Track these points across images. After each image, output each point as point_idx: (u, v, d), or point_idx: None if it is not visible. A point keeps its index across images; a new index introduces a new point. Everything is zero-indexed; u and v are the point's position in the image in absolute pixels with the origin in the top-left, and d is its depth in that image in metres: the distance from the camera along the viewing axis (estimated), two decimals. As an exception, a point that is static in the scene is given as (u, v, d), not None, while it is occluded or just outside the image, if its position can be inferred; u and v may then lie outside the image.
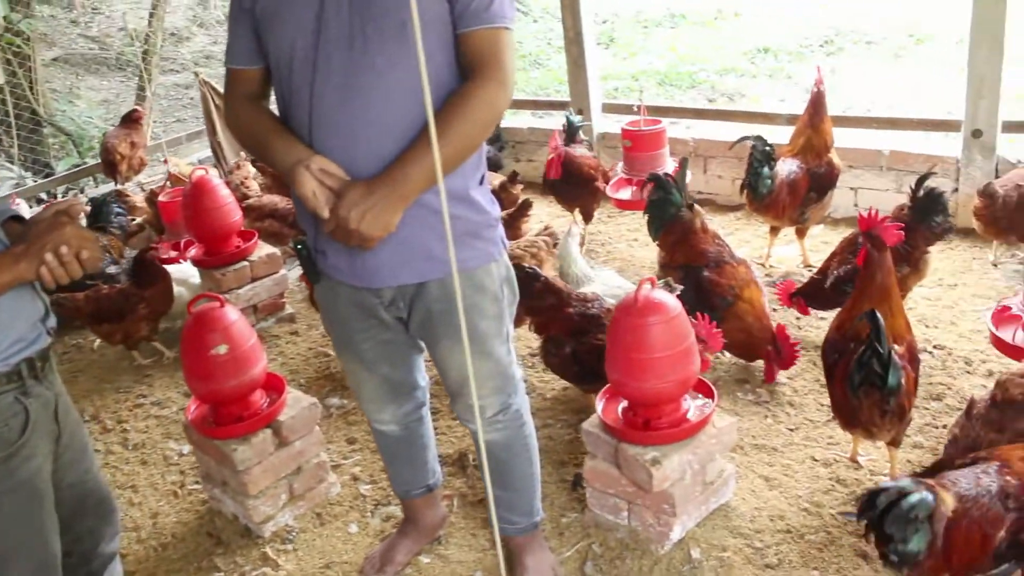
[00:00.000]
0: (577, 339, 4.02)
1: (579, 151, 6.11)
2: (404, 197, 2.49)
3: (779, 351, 4.31)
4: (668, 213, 4.79)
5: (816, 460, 3.93)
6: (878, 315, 3.32)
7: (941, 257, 5.62)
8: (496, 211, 2.86)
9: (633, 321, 3.17)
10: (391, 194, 2.46)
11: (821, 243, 5.91)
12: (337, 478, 4.09)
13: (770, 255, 5.75)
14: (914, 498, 2.43)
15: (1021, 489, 2.49)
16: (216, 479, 3.95)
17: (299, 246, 2.90)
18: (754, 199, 5.37)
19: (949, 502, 2.50)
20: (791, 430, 4.13)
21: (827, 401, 4.24)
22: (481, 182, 2.81)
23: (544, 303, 4.20)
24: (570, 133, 6.17)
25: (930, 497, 2.45)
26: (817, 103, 5.46)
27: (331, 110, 2.56)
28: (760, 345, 4.36)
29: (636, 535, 3.49)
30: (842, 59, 11.39)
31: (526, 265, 4.39)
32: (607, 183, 6.08)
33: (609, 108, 7.43)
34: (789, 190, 5.34)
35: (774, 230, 5.69)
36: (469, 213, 2.74)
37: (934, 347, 4.65)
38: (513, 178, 5.89)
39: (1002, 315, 4.10)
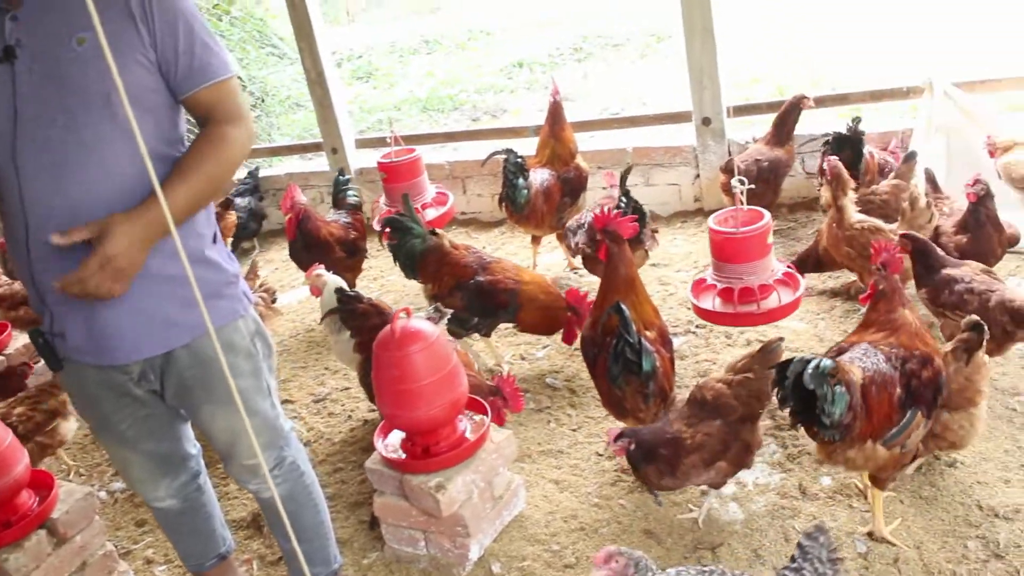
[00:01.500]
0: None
1: (332, 215, 5.86)
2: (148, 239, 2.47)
3: (577, 311, 4.54)
4: (416, 249, 4.81)
5: (601, 455, 4.11)
6: (623, 307, 3.54)
7: (695, 240, 6.00)
8: (235, 267, 2.86)
9: (394, 354, 3.22)
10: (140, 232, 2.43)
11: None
12: (129, 565, 3.93)
13: (536, 264, 5.95)
14: (816, 360, 2.94)
15: (896, 355, 3.19)
16: (-10, 594, 3.71)
17: (35, 334, 2.80)
18: (513, 211, 5.56)
19: (857, 374, 3.07)
20: (574, 430, 4.30)
21: (602, 397, 4.48)
22: (215, 240, 2.80)
23: (367, 323, 4.21)
24: (335, 195, 6.00)
25: (829, 361, 2.97)
26: (555, 113, 5.73)
27: (45, 193, 2.49)
28: (559, 313, 4.59)
29: (437, 562, 3.55)
30: (593, 64, 11.91)
31: (347, 288, 4.41)
32: (357, 251, 5.79)
33: (363, 143, 7.51)
34: (544, 198, 5.57)
35: (536, 239, 5.91)
36: (207, 274, 2.73)
37: (696, 326, 4.95)
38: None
39: (700, 287, 4.37)
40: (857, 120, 5.22)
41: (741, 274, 4.12)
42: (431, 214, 5.88)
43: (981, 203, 4.53)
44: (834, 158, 4.76)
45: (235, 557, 3.59)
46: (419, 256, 4.78)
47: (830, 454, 3.24)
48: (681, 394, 4.30)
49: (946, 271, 4.07)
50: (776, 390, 3.03)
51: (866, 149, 5.32)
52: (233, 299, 2.82)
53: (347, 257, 5.62)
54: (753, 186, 4.34)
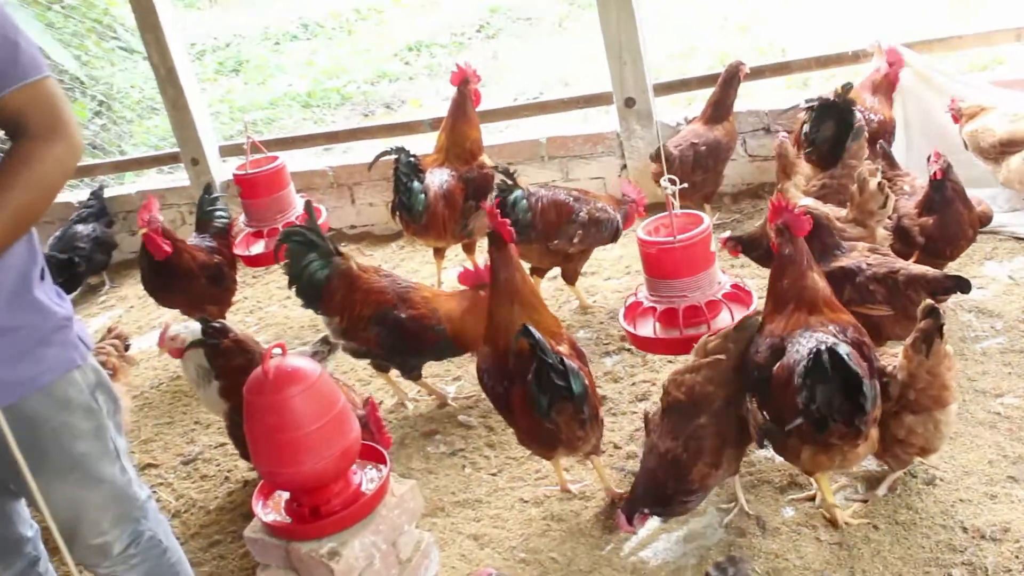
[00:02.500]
0: None
1: (194, 239, 5.76)
2: None
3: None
4: (319, 275, 4.66)
5: (526, 502, 4.13)
6: (532, 329, 3.60)
7: (627, 242, 6.06)
8: (67, 308, 2.80)
9: (269, 399, 3.18)
10: None
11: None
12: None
13: (441, 282, 5.96)
14: (837, 345, 3.27)
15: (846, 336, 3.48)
16: None
17: None
18: (410, 220, 5.54)
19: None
20: (493, 475, 4.32)
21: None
22: (42, 277, 2.75)
23: (230, 363, 4.16)
24: (199, 216, 5.91)
25: (846, 347, 3.32)
26: (459, 103, 5.75)
27: None
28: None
29: (337, 643, 3.51)
30: (504, 41, 11.95)
31: (212, 320, 4.35)
32: (224, 280, 5.71)
33: (231, 151, 7.47)
34: (445, 203, 5.58)
35: (439, 252, 5.92)
36: (33, 318, 2.67)
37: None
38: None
39: (636, 311, 4.41)
40: (848, 87, 5.22)
41: (682, 291, 4.17)
42: None
43: (946, 178, 4.66)
44: (783, 134, 4.86)
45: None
46: (323, 283, 4.65)
47: (830, 455, 3.43)
48: (621, 424, 4.37)
49: (838, 264, 4.18)
50: (806, 388, 3.23)
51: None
52: (66, 346, 2.77)
53: (212, 286, 5.55)
54: (685, 185, 4.38)
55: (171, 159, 7.78)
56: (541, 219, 5.16)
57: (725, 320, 4.16)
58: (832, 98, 5.13)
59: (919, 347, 3.47)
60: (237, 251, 5.92)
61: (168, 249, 5.37)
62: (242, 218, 6.09)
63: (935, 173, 4.67)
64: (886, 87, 5.65)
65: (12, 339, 2.63)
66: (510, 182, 5.17)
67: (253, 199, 5.85)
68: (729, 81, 5.76)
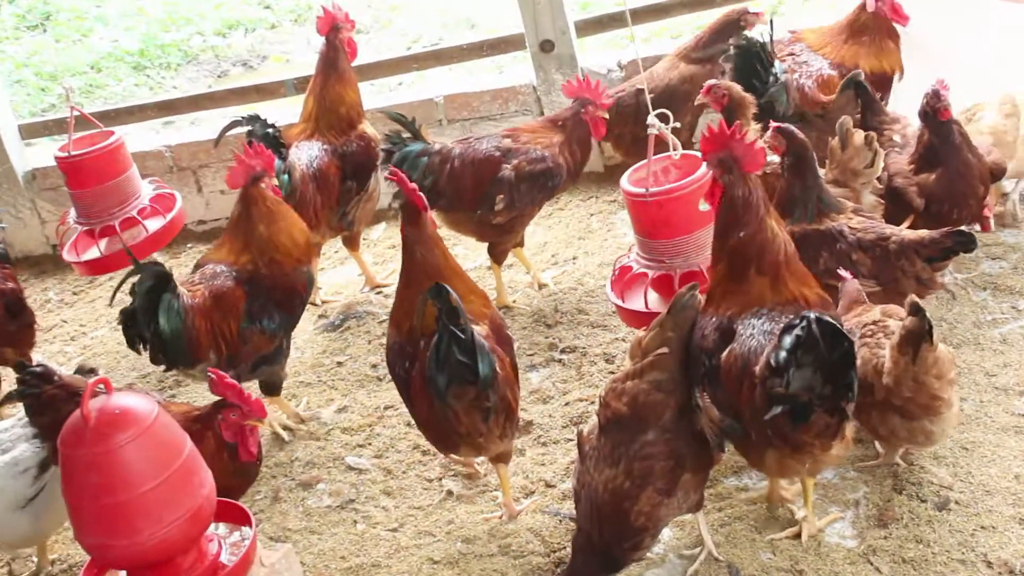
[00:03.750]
0: None
1: None
2: None
3: None
4: (176, 326, 4.61)
5: (437, 562, 4.09)
6: (447, 288, 3.68)
7: (553, 224, 6.06)
8: None
9: (91, 452, 3.11)
10: None
11: (389, 248, 6.19)
12: None
13: (319, 287, 5.92)
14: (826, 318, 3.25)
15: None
16: None
17: None
18: None
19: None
20: (393, 531, 4.29)
21: (434, 475, 4.47)
22: None
23: (61, 415, 3.99)
24: None
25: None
26: (329, 58, 5.71)
27: None
28: None
29: None
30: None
31: (33, 364, 4.26)
32: (21, 313, 5.51)
33: (38, 130, 7.33)
34: (317, 185, 5.54)
35: (314, 248, 5.84)
36: None
37: (563, 351, 5.05)
38: None
39: (624, 278, 4.47)
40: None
41: (680, 253, 4.22)
42: (151, 226, 5.78)
43: (952, 120, 4.69)
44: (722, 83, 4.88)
45: None
46: (180, 332, 4.59)
47: (800, 457, 3.48)
48: (553, 455, 4.37)
49: (815, 225, 4.26)
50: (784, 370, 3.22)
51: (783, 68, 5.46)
52: None
53: (9, 322, 5.38)
54: (678, 124, 4.41)
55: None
56: (451, 184, 5.20)
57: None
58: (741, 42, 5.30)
59: (904, 350, 3.54)
60: (68, 256, 5.81)
61: None
62: (72, 213, 5.94)
63: (941, 111, 4.67)
64: (875, 27, 5.69)
65: None
66: (407, 134, 5.18)
67: (82, 188, 5.71)
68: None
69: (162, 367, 4.74)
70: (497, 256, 5.47)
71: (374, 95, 6.55)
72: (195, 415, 3.89)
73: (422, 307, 3.81)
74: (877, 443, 4.01)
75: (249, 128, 5.43)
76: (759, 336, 3.43)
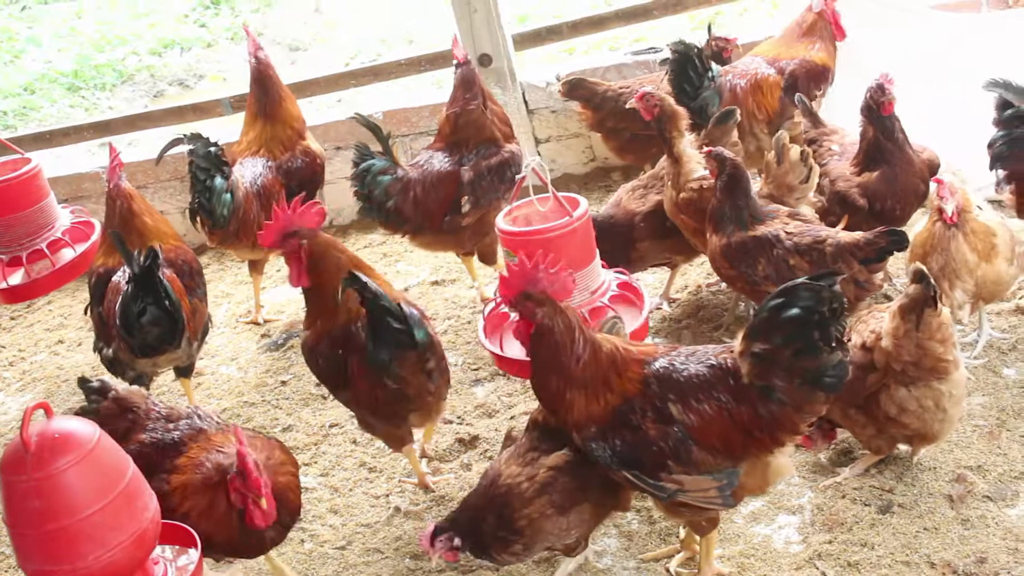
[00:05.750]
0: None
1: None
2: None
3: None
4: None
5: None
6: (358, 274, 3.93)
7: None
8: None
9: (32, 477, 3.08)
10: None
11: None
12: None
13: (261, 305, 5.92)
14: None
15: None
16: None
17: None
18: (214, 226, 5.48)
19: None
20: (341, 549, 4.29)
21: (380, 491, 4.48)
22: None
23: (118, 427, 3.93)
24: None
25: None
26: (262, 76, 5.74)
27: None
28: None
29: None
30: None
31: (91, 379, 4.20)
32: None
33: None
34: (261, 203, 5.55)
35: (256, 266, 5.89)
36: None
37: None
38: None
39: (495, 319, 4.44)
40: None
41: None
42: (67, 255, 5.66)
43: (895, 115, 4.74)
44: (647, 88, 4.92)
45: None
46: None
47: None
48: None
49: (752, 233, 4.32)
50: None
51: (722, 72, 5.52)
52: None
53: None
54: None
55: None
56: (418, 210, 5.25)
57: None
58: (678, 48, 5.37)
59: (908, 316, 3.61)
60: None
61: None
62: None
63: (885, 105, 4.71)
64: (821, 27, 5.75)
65: None
66: (376, 147, 5.23)
67: (2, 216, 5.64)
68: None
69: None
70: (489, 257, 5.51)
71: (312, 112, 6.52)
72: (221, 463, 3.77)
73: (342, 297, 4.06)
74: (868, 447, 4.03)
75: (191, 147, 5.40)
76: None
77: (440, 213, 5.20)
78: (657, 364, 3.44)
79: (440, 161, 5.32)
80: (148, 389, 4.75)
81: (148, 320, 4.67)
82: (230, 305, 6.08)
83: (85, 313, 5.26)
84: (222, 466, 3.67)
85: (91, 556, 3.13)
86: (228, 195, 5.41)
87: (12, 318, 6.54)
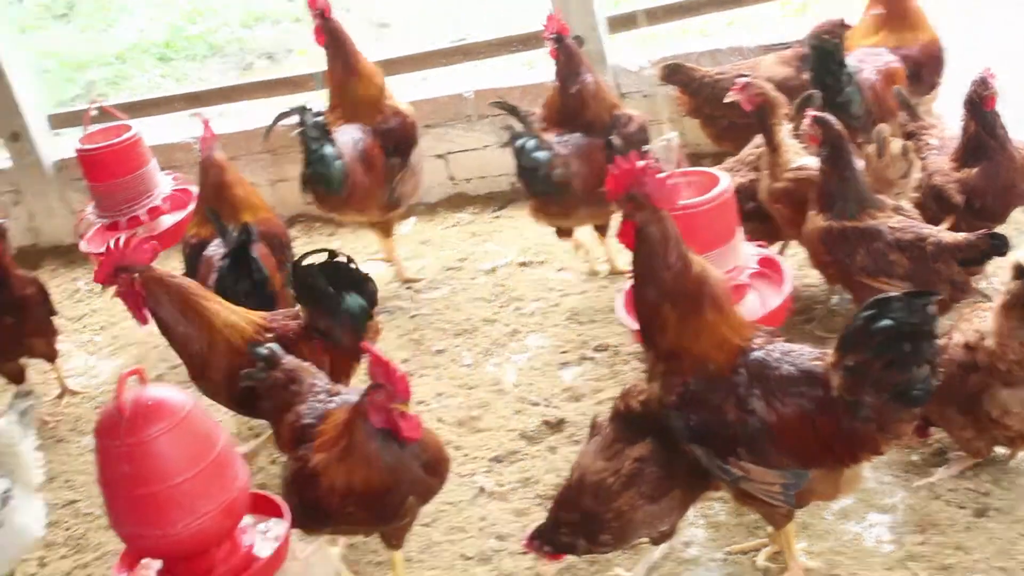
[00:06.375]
0: (296, 456, 3.83)
1: None
2: None
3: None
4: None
5: (470, 558, 4.10)
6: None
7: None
8: None
9: (125, 443, 3.12)
10: None
11: (420, 244, 6.22)
12: None
13: (392, 258, 6.03)
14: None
15: None
16: None
17: None
18: (329, 192, 5.52)
19: None
20: (426, 526, 4.27)
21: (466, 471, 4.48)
22: None
23: (280, 398, 3.99)
24: None
25: None
26: (335, 43, 5.76)
27: None
28: None
29: None
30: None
31: (263, 348, 4.14)
32: (49, 303, 5.57)
33: (65, 121, 7.37)
34: (365, 166, 5.58)
35: (381, 228, 5.94)
36: None
37: (596, 348, 5.05)
38: None
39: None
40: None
41: None
42: (165, 222, 5.85)
43: (996, 111, 4.60)
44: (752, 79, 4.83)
45: None
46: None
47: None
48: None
49: (855, 223, 4.22)
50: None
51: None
52: None
53: (43, 310, 5.43)
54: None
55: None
56: (578, 181, 5.21)
57: (751, 306, 4.17)
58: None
59: (1011, 313, 3.55)
60: (84, 248, 5.90)
61: None
62: (89, 208, 5.96)
63: (987, 100, 4.59)
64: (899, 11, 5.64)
65: None
66: (519, 126, 5.16)
67: (100, 181, 5.72)
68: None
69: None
70: (604, 228, 5.49)
71: (399, 89, 6.49)
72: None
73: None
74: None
75: (300, 119, 5.45)
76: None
77: (596, 183, 5.02)
78: (752, 356, 3.37)
79: (576, 136, 5.29)
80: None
81: (241, 297, 4.66)
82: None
83: None
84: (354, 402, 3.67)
85: (180, 523, 3.17)
86: (339, 162, 5.46)
87: (90, 288, 6.61)
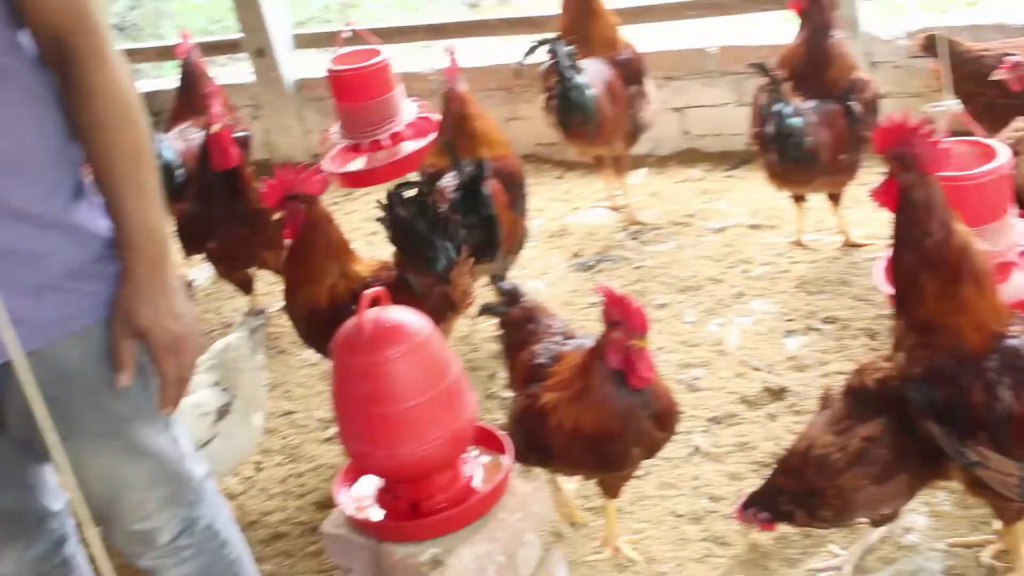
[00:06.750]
0: (525, 393, 3.92)
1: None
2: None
3: None
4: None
5: (680, 516, 4.08)
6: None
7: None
8: (109, 232, 2.76)
9: (363, 360, 3.14)
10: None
11: (649, 196, 6.20)
12: None
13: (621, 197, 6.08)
14: None
15: None
16: None
17: None
18: (584, 122, 5.56)
19: None
20: (638, 478, 4.24)
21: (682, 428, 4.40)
22: (79, 194, 2.71)
23: (517, 335, 4.08)
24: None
25: None
26: None
27: None
28: None
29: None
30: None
31: (505, 283, 4.31)
32: None
33: (307, 41, 7.57)
34: (610, 96, 5.65)
35: (616, 164, 6.02)
36: (66, 243, 2.64)
37: (824, 320, 4.95)
38: None
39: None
40: None
41: None
42: (406, 148, 6.00)
43: None
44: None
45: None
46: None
47: None
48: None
49: None
50: None
51: None
52: (108, 282, 2.73)
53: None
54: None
55: (230, 48, 7.85)
56: (824, 149, 5.13)
57: (1018, 286, 4.05)
58: None
59: None
60: (328, 167, 6.05)
61: (237, 158, 5.34)
62: (334, 128, 6.09)
63: None
64: None
65: (38, 267, 2.60)
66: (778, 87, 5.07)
67: (350, 102, 5.83)
68: None
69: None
70: (838, 197, 5.44)
71: (643, 39, 6.43)
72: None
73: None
74: None
75: (552, 49, 5.52)
76: None
77: (837, 151, 5.08)
78: (1008, 342, 3.23)
79: (817, 102, 5.17)
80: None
81: (467, 232, 4.70)
82: (544, 220, 6.09)
83: None
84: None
85: (409, 446, 3.18)
86: (592, 91, 5.53)
87: (333, 203, 6.73)
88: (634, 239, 5.88)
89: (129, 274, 2.64)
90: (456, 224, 4.45)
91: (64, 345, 2.67)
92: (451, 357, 3.27)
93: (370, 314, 3.17)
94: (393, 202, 4.37)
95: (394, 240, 4.52)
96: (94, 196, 2.75)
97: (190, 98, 6.40)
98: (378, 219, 4.48)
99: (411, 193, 4.38)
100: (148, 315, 2.63)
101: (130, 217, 2.61)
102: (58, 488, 3.17)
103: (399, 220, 4.40)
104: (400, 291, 4.20)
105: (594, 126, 5.58)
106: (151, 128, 2.72)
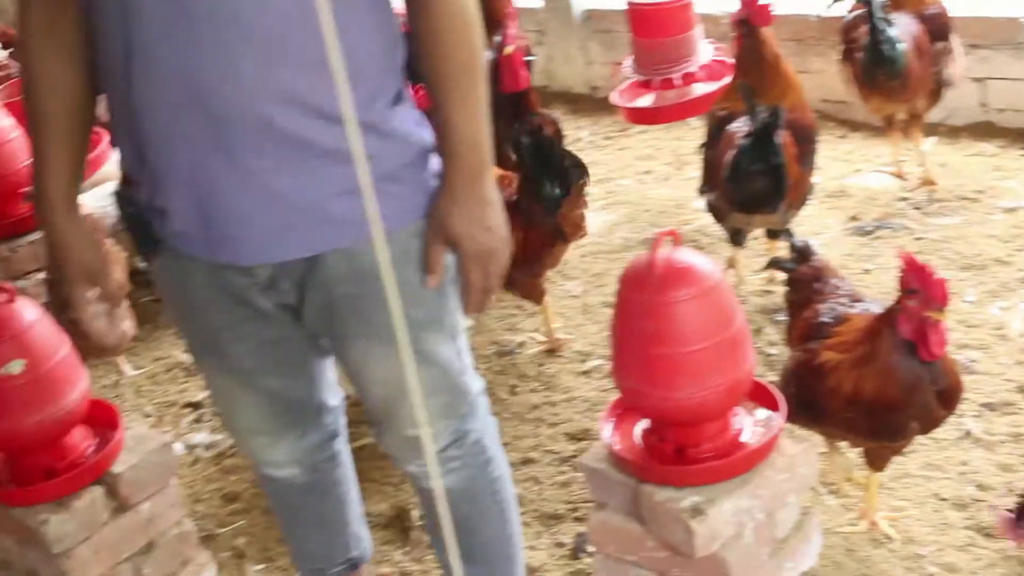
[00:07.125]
0: (803, 349, 3.90)
1: None
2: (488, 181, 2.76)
3: None
4: None
5: (944, 500, 3.96)
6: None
7: None
8: (426, 136, 2.79)
9: (651, 299, 3.11)
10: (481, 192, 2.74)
11: (937, 167, 5.96)
12: (212, 557, 4.02)
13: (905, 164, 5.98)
14: None
15: None
16: (18, 568, 3.86)
17: (123, 200, 2.82)
18: (890, 77, 5.43)
19: None
20: (903, 455, 4.10)
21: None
22: (399, 98, 2.74)
23: (802, 293, 4.03)
24: None
25: None
26: None
27: (164, 27, 2.44)
28: None
29: (671, 624, 3.47)
30: None
31: (798, 237, 4.28)
32: None
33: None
34: (917, 52, 5.50)
35: (892, 123, 5.87)
36: (383, 147, 2.68)
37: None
38: None
39: None
40: None
41: None
42: (696, 90, 5.91)
43: None
44: None
45: (369, 569, 3.61)
46: None
47: None
48: None
49: None
50: None
51: None
52: (419, 186, 2.76)
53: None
54: None
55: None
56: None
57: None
58: None
59: None
60: (617, 101, 6.06)
61: (527, 81, 5.30)
62: (627, 62, 6.07)
63: None
64: None
65: (354, 169, 2.64)
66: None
67: (647, 38, 5.80)
68: None
69: None
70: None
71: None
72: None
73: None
74: None
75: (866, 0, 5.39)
76: None
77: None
78: None
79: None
80: (742, 245, 4.98)
81: (753, 180, 4.67)
82: (823, 179, 5.95)
83: (700, 149, 5.30)
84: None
85: (686, 390, 3.15)
86: (902, 44, 5.39)
87: (607, 138, 6.71)
88: (916, 209, 5.68)
89: (448, 183, 2.68)
90: (571, 165, 4.62)
91: (368, 245, 2.72)
92: (737, 306, 3.22)
93: (662, 253, 3.14)
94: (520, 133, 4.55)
95: (518, 168, 4.65)
96: (412, 102, 2.78)
97: (487, 15, 6.43)
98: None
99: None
100: (461, 226, 2.67)
101: (455, 127, 2.65)
102: (336, 385, 3.26)
103: (523, 149, 4.58)
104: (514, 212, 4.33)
105: (900, 82, 5.44)
106: (484, 38, 2.73)
